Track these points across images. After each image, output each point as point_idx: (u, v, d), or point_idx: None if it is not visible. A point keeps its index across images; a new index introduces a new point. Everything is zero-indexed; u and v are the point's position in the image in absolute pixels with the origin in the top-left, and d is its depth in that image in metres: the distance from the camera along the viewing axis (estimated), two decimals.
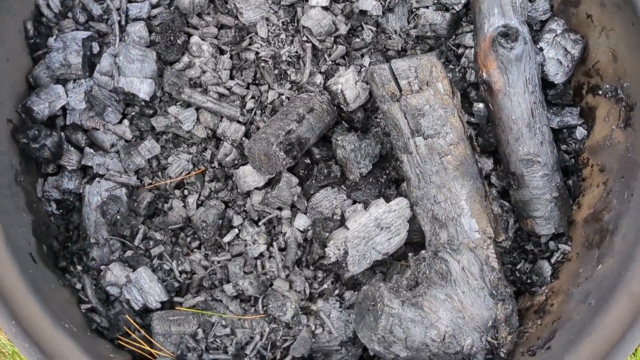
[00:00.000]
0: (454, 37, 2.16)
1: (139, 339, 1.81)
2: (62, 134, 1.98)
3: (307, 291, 1.93)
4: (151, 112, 2.02)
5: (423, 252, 1.87)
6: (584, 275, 1.87)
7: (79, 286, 1.91)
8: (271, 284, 1.92)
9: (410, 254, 1.90)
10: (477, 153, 1.98)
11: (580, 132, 2.08)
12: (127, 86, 1.92)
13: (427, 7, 2.16)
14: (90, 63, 2.00)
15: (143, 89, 1.93)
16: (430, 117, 1.83)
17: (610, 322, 1.56)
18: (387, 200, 1.97)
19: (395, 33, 2.17)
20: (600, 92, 2.02)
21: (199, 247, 2.04)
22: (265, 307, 1.90)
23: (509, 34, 1.90)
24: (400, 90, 1.82)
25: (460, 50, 2.15)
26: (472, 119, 2.13)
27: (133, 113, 2.02)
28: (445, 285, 1.79)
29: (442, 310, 1.76)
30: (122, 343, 1.81)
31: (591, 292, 1.77)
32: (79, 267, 1.95)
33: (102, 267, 1.94)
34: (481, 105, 2.08)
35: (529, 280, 2.05)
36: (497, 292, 1.80)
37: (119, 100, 1.98)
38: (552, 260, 2.04)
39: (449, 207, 1.86)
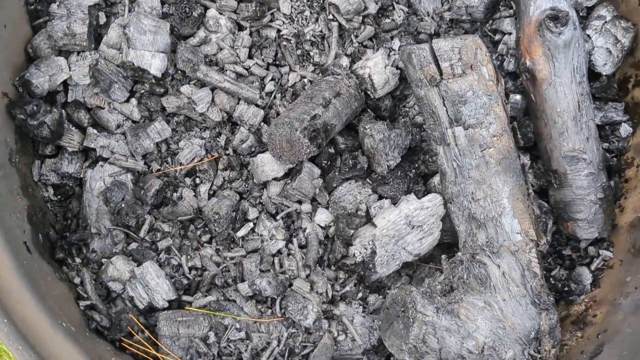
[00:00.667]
0: (490, 21, 2.00)
1: (143, 341, 1.63)
2: (63, 111, 1.79)
3: (330, 293, 1.76)
4: (162, 90, 1.84)
5: (459, 254, 1.70)
6: (633, 284, 1.72)
7: (77, 280, 1.73)
8: (290, 285, 1.74)
9: (443, 256, 1.73)
10: (521, 145, 1.81)
11: (625, 129, 1.93)
12: (137, 60, 1.73)
13: None
14: (96, 34, 1.82)
15: (154, 64, 1.74)
16: (473, 105, 1.66)
17: None
18: (417, 196, 1.80)
19: (428, 15, 2.00)
20: None
21: (209, 242, 1.86)
22: (283, 310, 1.72)
23: (558, 17, 1.73)
24: (441, 73, 1.65)
25: (497, 37, 1.98)
26: None
27: (142, 91, 1.84)
28: (484, 291, 1.63)
29: (481, 319, 1.59)
30: (125, 345, 1.62)
31: None
32: (78, 260, 1.77)
33: (104, 260, 1.76)
34: (518, 96, 1.92)
35: (566, 288, 1.89)
36: (539, 300, 1.64)
37: (126, 76, 1.80)
38: (592, 267, 1.88)
39: (489, 206, 1.69)
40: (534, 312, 1.62)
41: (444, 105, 1.69)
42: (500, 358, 1.57)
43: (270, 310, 1.74)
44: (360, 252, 1.73)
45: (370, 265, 1.72)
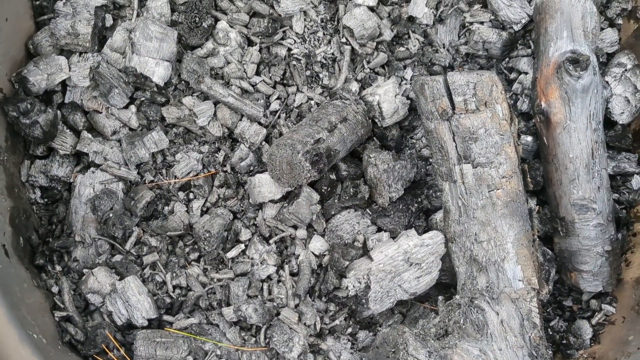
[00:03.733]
0: (507, 59, 1.94)
1: None
2: (58, 112, 1.72)
3: (318, 326, 1.68)
4: (163, 100, 1.78)
5: (457, 297, 1.62)
6: (636, 344, 1.64)
7: (55, 289, 1.65)
8: (278, 313, 1.66)
9: (440, 298, 1.65)
10: (530, 188, 1.74)
11: (637, 181, 1.87)
12: (140, 67, 1.67)
13: (482, 22, 1.93)
14: (100, 36, 1.76)
15: (158, 72, 1.68)
16: (484, 143, 1.60)
17: None
18: (417, 232, 1.73)
19: (444, 47, 1.95)
20: None
21: (197, 260, 1.78)
22: (267, 340, 1.64)
23: (578, 61, 1.68)
24: (454, 108, 1.59)
25: (512, 75, 1.92)
26: None
27: (142, 99, 1.77)
28: (480, 338, 1.55)
29: None
30: None
31: None
32: (58, 268, 1.69)
33: (85, 270, 1.68)
34: (530, 138, 1.86)
35: (564, 341, 1.81)
36: (537, 352, 1.56)
37: (127, 82, 1.73)
38: (593, 322, 1.81)
39: (492, 249, 1.62)
40: None
41: (454, 140, 1.62)
42: None
43: (254, 339, 1.65)
44: (353, 286, 1.65)
45: (363, 301, 1.64)
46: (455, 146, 1.62)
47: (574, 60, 1.68)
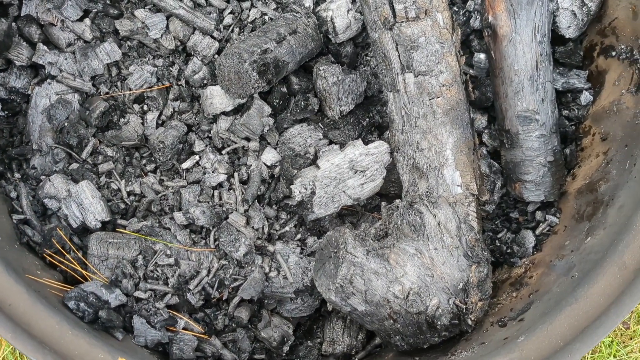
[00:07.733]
0: None
1: (72, 260, 1.62)
2: (13, 24, 1.76)
3: (266, 230, 1.75)
4: (116, 12, 1.81)
5: (397, 201, 1.69)
6: (570, 247, 1.71)
7: (13, 195, 1.72)
8: (226, 217, 1.73)
9: (383, 203, 1.72)
10: (472, 98, 1.78)
11: (585, 97, 1.90)
12: None
13: None
14: None
15: None
16: (425, 52, 1.63)
17: (594, 294, 1.39)
18: (366, 144, 1.78)
19: None
20: (613, 54, 1.84)
21: (154, 171, 1.84)
22: (216, 241, 1.71)
23: None
24: (395, 16, 1.62)
25: None
26: (470, 71, 1.93)
27: (95, 10, 1.80)
28: (416, 239, 1.62)
29: (410, 265, 1.58)
30: (54, 261, 1.61)
31: (575, 264, 1.61)
32: (17, 175, 1.75)
33: (42, 177, 1.74)
34: (482, 55, 1.89)
35: (509, 250, 1.88)
36: (472, 253, 1.63)
37: None
38: (537, 232, 1.87)
39: (432, 156, 1.68)
40: (465, 264, 1.61)
41: (397, 50, 1.66)
42: (424, 304, 1.57)
43: (204, 241, 1.72)
44: (300, 192, 1.72)
45: (309, 205, 1.71)
46: (398, 55, 1.66)
47: None
